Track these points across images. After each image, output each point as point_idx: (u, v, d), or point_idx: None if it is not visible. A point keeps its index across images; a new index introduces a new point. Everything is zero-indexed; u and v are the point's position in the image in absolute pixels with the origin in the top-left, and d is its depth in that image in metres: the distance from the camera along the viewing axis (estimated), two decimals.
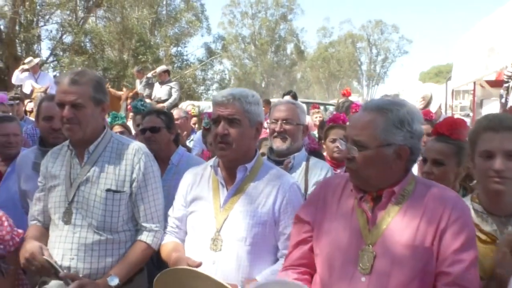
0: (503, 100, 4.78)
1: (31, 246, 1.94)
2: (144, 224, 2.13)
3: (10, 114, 4.46)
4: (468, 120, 9.19)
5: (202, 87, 28.72)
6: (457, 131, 2.16)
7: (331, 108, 17.05)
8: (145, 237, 2.12)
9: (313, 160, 2.63)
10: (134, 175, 2.09)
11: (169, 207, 2.25)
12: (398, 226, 1.50)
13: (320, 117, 6.83)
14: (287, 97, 6.74)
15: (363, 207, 1.57)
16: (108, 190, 2.04)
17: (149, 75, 10.07)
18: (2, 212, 2.10)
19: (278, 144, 2.54)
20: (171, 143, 3.04)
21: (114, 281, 1.94)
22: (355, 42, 50.74)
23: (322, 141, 3.74)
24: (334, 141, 3.42)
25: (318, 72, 49.54)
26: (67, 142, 2.18)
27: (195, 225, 1.99)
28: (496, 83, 6.59)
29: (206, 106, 10.11)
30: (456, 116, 12.20)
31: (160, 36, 24.82)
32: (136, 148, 2.14)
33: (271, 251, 1.93)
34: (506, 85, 4.73)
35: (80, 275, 1.97)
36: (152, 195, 2.15)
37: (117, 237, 2.07)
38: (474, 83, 7.01)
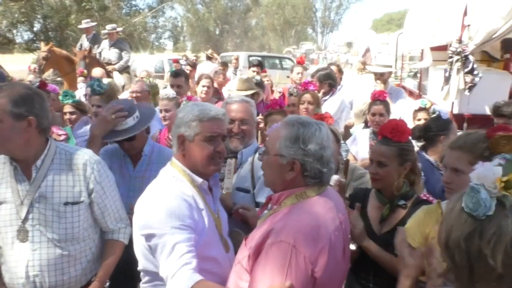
0: (446, 74, 5.04)
1: None
2: (112, 227, 2.26)
3: None
4: (415, 83, 9.67)
5: (154, 36, 27.36)
6: (398, 134, 2.29)
7: (287, 63, 17.02)
8: (117, 235, 2.27)
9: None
10: (92, 186, 2.11)
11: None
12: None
13: (268, 81, 6.95)
14: (254, 68, 6.79)
15: None
16: (66, 204, 2.05)
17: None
18: None
19: (235, 144, 2.57)
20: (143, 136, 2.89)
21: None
22: None
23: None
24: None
25: (273, 19, 48.48)
26: (2, 156, 2.07)
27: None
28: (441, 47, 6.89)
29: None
30: (405, 66, 12.57)
31: None
32: (86, 158, 2.12)
33: None
34: (450, 60, 4.95)
35: None
36: (113, 200, 2.23)
37: (78, 247, 2.12)
38: (422, 50, 7.25)
